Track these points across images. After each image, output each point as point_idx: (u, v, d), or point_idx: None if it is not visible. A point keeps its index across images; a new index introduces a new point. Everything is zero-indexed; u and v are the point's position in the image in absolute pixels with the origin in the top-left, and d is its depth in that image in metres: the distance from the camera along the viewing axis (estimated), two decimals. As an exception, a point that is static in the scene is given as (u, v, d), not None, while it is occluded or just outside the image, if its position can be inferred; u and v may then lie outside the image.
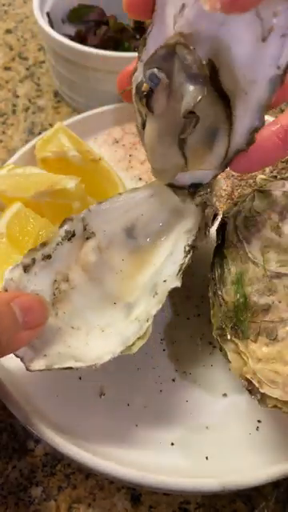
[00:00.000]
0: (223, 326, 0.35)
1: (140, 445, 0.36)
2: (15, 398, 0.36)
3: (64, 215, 0.45)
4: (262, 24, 0.25)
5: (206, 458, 0.35)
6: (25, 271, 0.34)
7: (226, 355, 0.34)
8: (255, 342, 0.34)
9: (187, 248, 0.36)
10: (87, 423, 0.37)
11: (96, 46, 0.59)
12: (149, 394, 0.38)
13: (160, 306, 0.34)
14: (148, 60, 0.29)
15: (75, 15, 0.65)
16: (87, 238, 0.37)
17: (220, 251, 0.38)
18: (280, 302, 0.35)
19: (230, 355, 0.34)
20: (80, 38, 0.63)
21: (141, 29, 0.67)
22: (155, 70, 0.28)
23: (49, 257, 0.35)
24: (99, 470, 0.33)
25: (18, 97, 0.67)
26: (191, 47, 0.27)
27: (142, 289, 0.37)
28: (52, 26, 0.59)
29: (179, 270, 0.36)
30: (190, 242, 0.36)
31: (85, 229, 0.37)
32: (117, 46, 0.63)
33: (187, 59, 0.27)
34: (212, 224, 0.39)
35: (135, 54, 0.52)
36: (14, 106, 0.66)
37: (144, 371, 0.39)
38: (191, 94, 0.28)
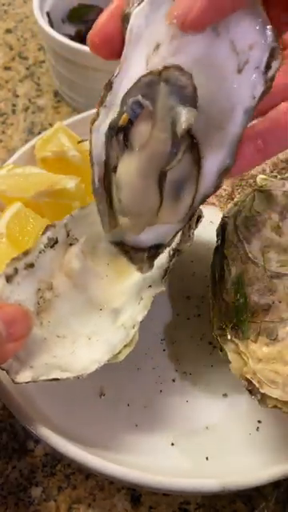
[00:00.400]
0: (223, 326, 0.35)
1: (140, 445, 0.36)
2: (15, 398, 0.36)
3: (64, 215, 0.45)
4: (237, 57, 0.26)
5: (206, 458, 0.35)
6: (7, 281, 0.33)
7: (226, 355, 0.34)
8: (255, 342, 0.34)
9: (171, 252, 0.36)
10: (87, 423, 0.37)
11: (96, 46, 0.59)
12: (149, 394, 0.38)
13: (146, 311, 0.34)
14: (128, 90, 0.28)
15: (75, 15, 0.65)
16: (70, 245, 0.37)
17: (220, 251, 0.38)
18: (280, 302, 0.35)
19: (231, 355, 0.34)
20: (80, 38, 0.63)
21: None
22: (139, 97, 0.27)
23: (31, 265, 0.35)
24: (99, 471, 0.33)
25: (17, 96, 0.67)
26: (183, 69, 0.26)
27: (127, 294, 0.37)
28: (52, 26, 0.59)
29: (164, 275, 0.35)
30: (174, 246, 0.36)
31: (68, 235, 0.37)
32: (117, 45, 0.62)
33: (181, 80, 0.26)
34: (196, 226, 0.38)
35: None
36: (14, 105, 0.66)
37: (144, 371, 0.39)
38: (187, 114, 0.27)
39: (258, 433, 0.36)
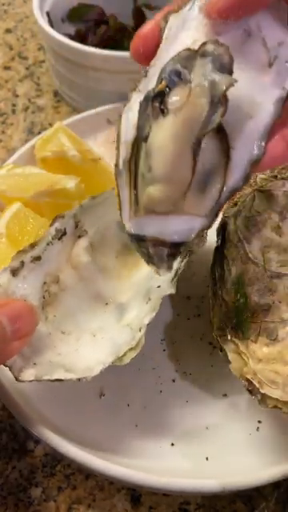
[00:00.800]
0: (223, 327, 0.35)
1: (140, 445, 0.36)
2: (15, 399, 0.36)
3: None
4: (268, 53, 0.28)
5: (207, 458, 0.35)
6: (13, 275, 0.33)
7: (226, 355, 0.34)
8: (255, 342, 0.34)
9: (184, 252, 0.34)
10: (87, 424, 0.37)
11: (96, 46, 0.59)
12: (149, 395, 0.38)
13: (153, 314, 0.33)
14: (167, 63, 0.29)
15: (75, 14, 0.65)
16: (79, 237, 0.36)
17: (220, 251, 0.38)
18: (280, 302, 0.35)
19: (231, 355, 0.34)
20: (80, 38, 0.63)
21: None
22: (178, 65, 0.28)
23: (38, 258, 0.34)
24: (99, 471, 0.33)
25: (17, 96, 0.67)
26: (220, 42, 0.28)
27: (134, 290, 0.36)
28: (52, 26, 0.59)
29: (174, 276, 0.34)
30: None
31: (77, 226, 0.36)
32: (117, 45, 0.62)
33: (219, 50, 0.27)
34: (210, 226, 0.36)
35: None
36: (14, 105, 0.66)
37: (144, 371, 0.39)
38: (225, 79, 0.27)
39: (257, 433, 0.36)
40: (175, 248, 0.30)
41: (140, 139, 0.29)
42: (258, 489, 0.37)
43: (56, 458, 0.38)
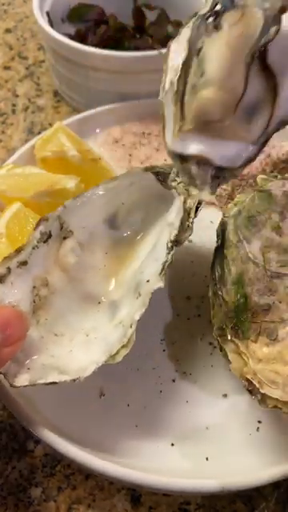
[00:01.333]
0: (223, 327, 0.35)
1: (140, 445, 0.36)
2: (15, 399, 0.36)
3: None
4: None
5: (206, 458, 0.35)
6: (0, 282, 0.33)
7: (226, 355, 0.34)
8: (255, 342, 0.34)
9: (169, 244, 0.35)
10: (87, 424, 0.37)
11: (96, 46, 0.59)
12: (149, 395, 0.38)
13: (143, 309, 0.33)
14: None
15: (75, 14, 0.65)
16: (64, 238, 0.36)
17: (220, 251, 0.38)
18: (280, 302, 0.35)
19: (231, 355, 0.34)
20: (80, 38, 0.63)
21: (141, 29, 0.67)
22: None
23: (25, 263, 0.34)
24: (99, 471, 0.33)
25: (17, 96, 0.67)
26: None
27: (125, 286, 0.36)
28: (52, 26, 0.59)
29: (162, 269, 0.34)
30: (172, 238, 0.35)
31: (62, 227, 0.36)
32: (117, 45, 0.62)
33: None
34: (195, 215, 0.36)
35: (135, 54, 0.52)
36: (14, 105, 0.66)
37: (144, 371, 0.39)
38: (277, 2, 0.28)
39: (257, 433, 0.36)
40: (221, 172, 0.30)
41: (192, 54, 0.29)
42: (258, 489, 0.37)
43: (56, 458, 0.38)
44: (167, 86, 0.31)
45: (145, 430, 0.37)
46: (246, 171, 0.54)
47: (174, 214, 0.36)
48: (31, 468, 0.38)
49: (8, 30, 0.78)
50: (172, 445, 0.36)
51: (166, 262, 0.34)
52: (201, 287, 0.43)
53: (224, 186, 0.52)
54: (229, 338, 0.34)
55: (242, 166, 0.31)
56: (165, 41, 0.63)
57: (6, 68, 0.71)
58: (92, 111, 0.57)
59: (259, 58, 0.29)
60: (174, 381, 0.39)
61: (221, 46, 0.29)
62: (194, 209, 0.36)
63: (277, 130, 0.31)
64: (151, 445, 0.36)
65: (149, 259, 0.36)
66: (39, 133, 0.61)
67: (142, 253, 0.37)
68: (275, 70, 0.30)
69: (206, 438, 0.36)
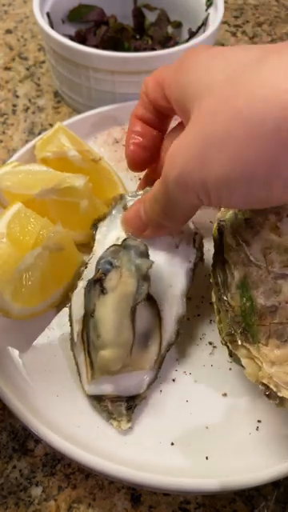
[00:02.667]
0: (232, 332, 0.34)
1: (140, 445, 0.36)
2: (15, 398, 0.36)
3: (70, 213, 0.45)
4: (173, 239, 0.39)
5: (206, 458, 0.35)
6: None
7: (238, 361, 0.34)
8: (266, 345, 0.33)
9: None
10: (87, 423, 0.37)
11: (96, 46, 0.59)
12: (149, 395, 0.38)
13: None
14: (100, 256, 0.38)
15: (75, 15, 0.65)
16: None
17: (220, 256, 0.37)
18: (287, 302, 0.34)
19: (244, 361, 0.33)
20: (80, 38, 0.63)
21: (141, 29, 0.67)
22: (109, 257, 0.37)
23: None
24: (99, 470, 0.33)
25: (18, 97, 0.67)
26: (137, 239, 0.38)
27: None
28: (52, 26, 0.59)
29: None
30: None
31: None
32: (117, 46, 0.63)
33: (137, 244, 0.37)
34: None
35: (135, 55, 0.53)
36: (14, 106, 0.66)
37: (144, 371, 0.39)
38: (145, 262, 0.36)
39: (257, 432, 0.36)
40: (132, 400, 0.36)
41: (88, 315, 0.37)
42: (258, 488, 0.37)
43: (56, 458, 0.38)
44: (75, 337, 0.38)
45: (145, 429, 0.37)
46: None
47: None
48: (31, 467, 0.38)
49: (8, 31, 0.78)
50: (172, 444, 0.36)
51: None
52: (201, 287, 0.43)
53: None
54: (239, 343, 0.34)
55: (147, 388, 0.37)
56: (165, 41, 0.64)
57: (7, 69, 0.71)
58: (92, 112, 0.57)
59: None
60: (173, 380, 0.39)
61: (108, 310, 0.35)
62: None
63: (167, 351, 0.38)
64: (151, 444, 0.36)
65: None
66: (39, 133, 0.61)
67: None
68: (155, 297, 0.37)
69: (206, 437, 0.36)
